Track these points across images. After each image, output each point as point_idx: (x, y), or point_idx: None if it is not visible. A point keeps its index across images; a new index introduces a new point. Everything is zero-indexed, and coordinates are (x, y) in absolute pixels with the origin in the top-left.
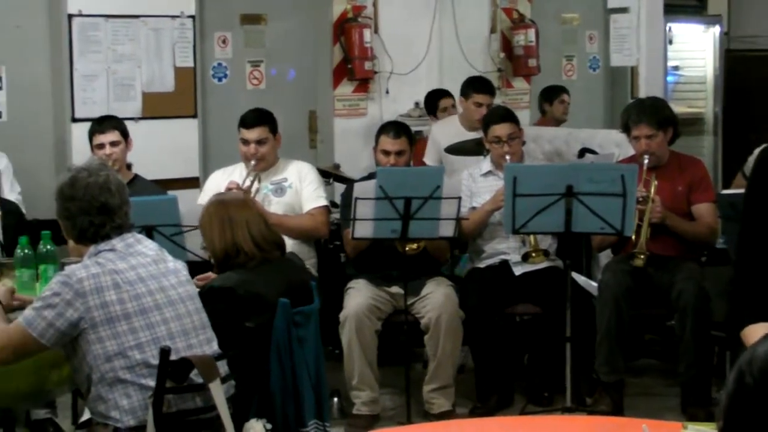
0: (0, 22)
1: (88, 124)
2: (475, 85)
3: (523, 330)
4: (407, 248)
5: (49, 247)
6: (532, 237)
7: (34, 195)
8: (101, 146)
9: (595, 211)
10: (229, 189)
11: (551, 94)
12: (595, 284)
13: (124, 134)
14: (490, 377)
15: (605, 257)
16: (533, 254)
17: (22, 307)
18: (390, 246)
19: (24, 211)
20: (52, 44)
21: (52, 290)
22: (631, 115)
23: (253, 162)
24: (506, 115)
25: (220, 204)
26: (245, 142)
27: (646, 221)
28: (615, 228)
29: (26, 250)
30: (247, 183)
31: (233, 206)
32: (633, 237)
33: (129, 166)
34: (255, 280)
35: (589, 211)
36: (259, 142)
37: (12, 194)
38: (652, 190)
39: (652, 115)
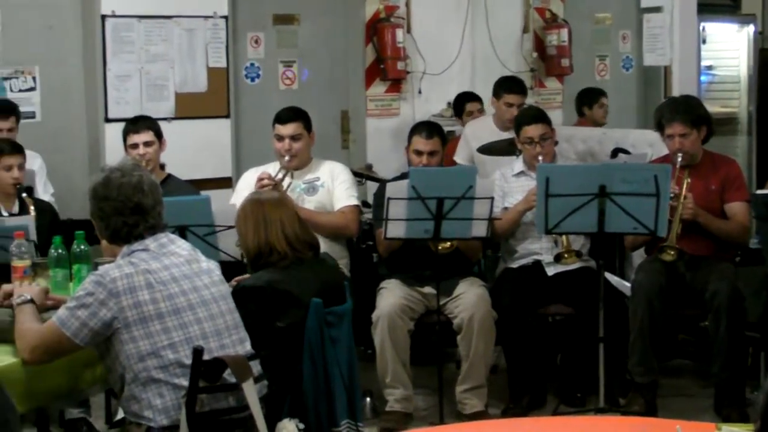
0: (33, 23)
1: (121, 125)
2: (505, 86)
3: (556, 330)
4: (440, 247)
5: (82, 247)
6: (564, 238)
7: (67, 195)
8: (135, 146)
9: (628, 211)
10: (260, 179)
11: (591, 98)
12: (628, 284)
13: (158, 135)
14: (523, 377)
15: (638, 257)
16: (566, 255)
17: (55, 307)
18: (422, 246)
19: (58, 211)
20: (86, 45)
21: (85, 290)
22: (665, 113)
23: (286, 158)
24: (538, 116)
25: (257, 202)
26: (280, 138)
27: (677, 217)
28: (648, 228)
29: (60, 250)
30: (279, 176)
31: (269, 205)
32: None
33: (162, 166)
34: (287, 280)
35: (622, 211)
36: (294, 138)
37: (45, 195)
38: (684, 187)
39: (686, 113)
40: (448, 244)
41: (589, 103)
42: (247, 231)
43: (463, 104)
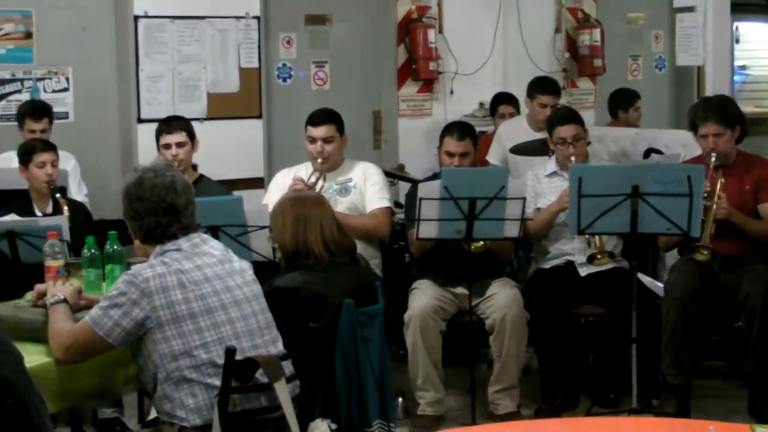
0: (67, 24)
1: (153, 125)
2: (539, 86)
3: (588, 331)
4: (472, 247)
5: (115, 247)
6: (597, 238)
7: (100, 195)
8: (168, 146)
9: (662, 212)
10: (294, 184)
11: (627, 101)
12: (661, 285)
13: (191, 135)
14: (556, 378)
15: (671, 258)
16: (598, 256)
17: (88, 307)
18: (454, 246)
19: (91, 211)
20: (119, 46)
21: (118, 290)
22: (699, 112)
23: (319, 160)
24: (571, 116)
25: (297, 200)
26: (312, 140)
27: (710, 217)
28: (681, 229)
29: (93, 250)
30: (312, 179)
31: (309, 203)
32: None
33: (194, 167)
34: (320, 281)
35: (655, 211)
36: (326, 140)
37: (79, 195)
38: (718, 186)
39: (719, 113)
40: (480, 243)
41: (625, 106)
42: (285, 228)
43: (497, 105)
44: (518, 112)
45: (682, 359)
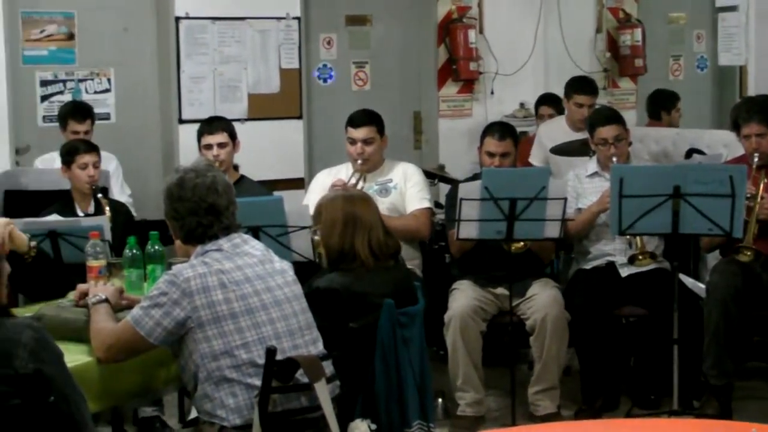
0: (108, 26)
1: (195, 126)
2: (575, 86)
3: (629, 332)
4: (513, 247)
5: (157, 247)
6: (638, 239)
7: (142, 196)
8: (209, 147)
9: (703, 212)
10: (334, 187)
11: (670, 102)
12: (702, 286)
13: (232, 136)
14: (596, 379)
15: (713, 258)
16: (640, 257)
17: (130, 307)
18: (495, 247)
19: (133, 211)
20: (160, 47)
21: (159, 290)
22: (741, 113)
23: (359, 161)
24: (612, 117)
25: (348, 199)
26: (352, 141)
27: (753, 218)
28: (723, 229)
29: (135, 251)
30: (353, 181)
31: (359, 203)
32: None
33: (236, 167)
34: (360, 282)
35: (696, 212)
36: (366, 141)
37: (122, 196)
38: (761, 187)
39: (762, 112)
40: (521, 243)
41: (668, 107)
42: (334, 229)
43: (539, 105)
44: (558, 113)
45: (724, 360)
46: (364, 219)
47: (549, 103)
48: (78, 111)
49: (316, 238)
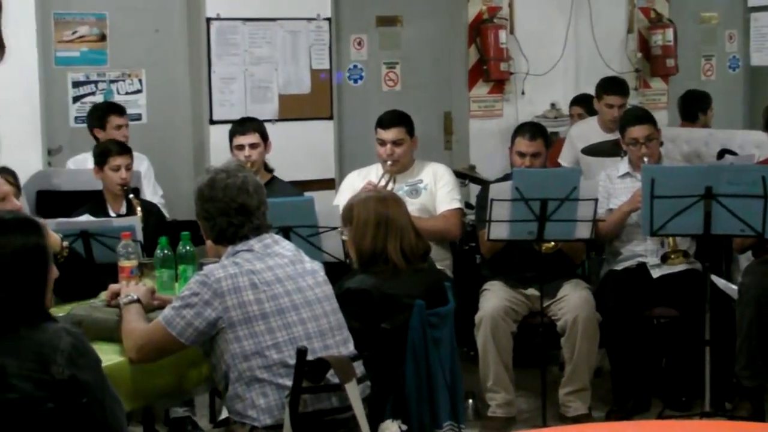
0: (140, 26)
1: (225, 126)
2: (606, 87)
3: (661, 333)
4: (543, 247)
5: (188, 247)
6: (671, 239)
7: (173, 196)
8: (241, 147)
9: (735, 213)
10: (365, 189)
11: (706, 103)
12: (734, 287)
13: (264, 137)
14: (628, 381)
15: (745, 260)
16: (672, 255)
17: (161, 307)
18: (525, 248)
19: (164, 212)
20: (191, 47)
21: (191, 290)
22: None
23: (389, 163)
24: (643, 117)
25: (381, 201)
26: (382, 142)
27: None
28: (756, 230)
29: (166, 251)
30: (383, 183)
31: (391, 205)
32: None
33: (270, 169)
34: (391, 284)
35: (728, 212)
36: (396, 143)
37: (155, 197)
38: None
39: None
40: (551, 244)
41: (704, 108)
42: (366, 230)
43: (571, 106)
44: (589, 114)
45: (757, 362)
46: (396, 221)
47: (580, 103)
48: (116, 106)
49: (345, 238)
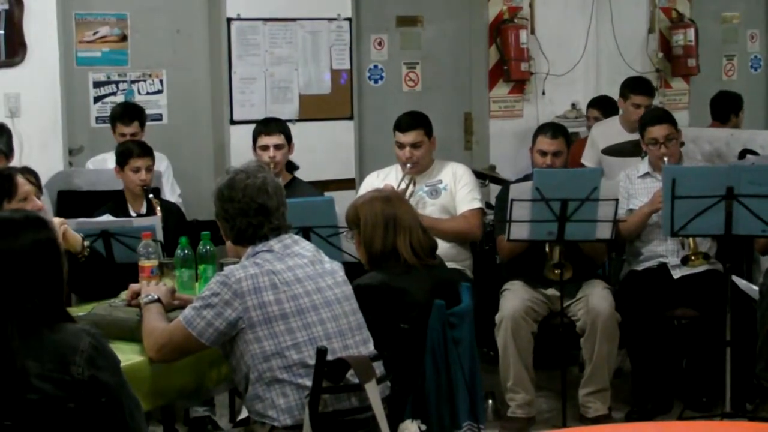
0: (161, 27)
1: (246, 127)
2: (633, 86)
3: (681, 334)
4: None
5: (208, 247)
6: (691, 240)
7: (193, 196)
8: (265, 148)
9: (757, 214)
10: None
11: (737, 105)
12: (755, 288)
13: (288, 138)
14: (648, 381)
15: (767, 261)
16: (692, 257)
17: (181, 307)
18: (544, 251)
19: (184, 212)
20: (212, 48)
21: (211, 290)
22: None
23: (408, 165)
24: (663, 117)
25: (386, 200)
26: (400, 145)
27: None
28: None
29: (186, 251)
30: (402, 186)
31: (397, 204)
32: None
33: (295, 168)
34: (399, 279)
35: (750, 213)
36: (414, 145)
37: (173, 196)
38: None
39: None
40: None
41: (736, 109)
42: (375, 231)
43: (588, 108)
44: (604, 117)
45: None
46: (404, 219)
47: (597, 106)
48: (126, 113)
49: (351, 241)
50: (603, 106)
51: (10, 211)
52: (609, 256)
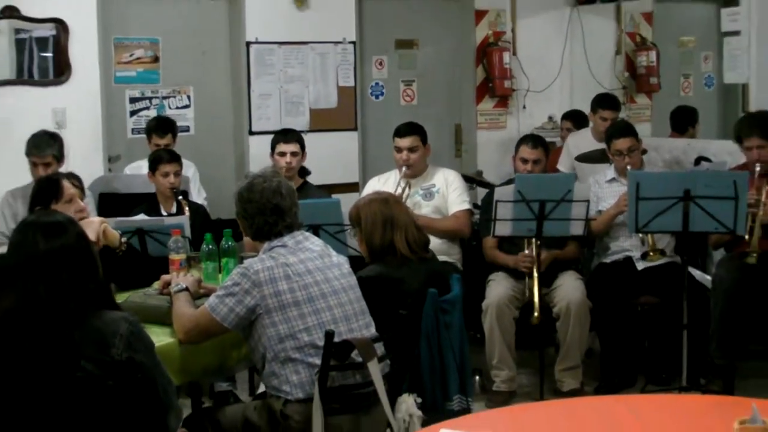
0: (188, 50)
1: (263, 137)
2: (600, 102)
3: (644, 318)
4: (534, 318)
5: (230, 243)
6: (650, 238)
7: (217, 198)
8: (283, 154)
9: (711, 213)
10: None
11: (694, 118)
12: (709, 278)
13: (303, 147)
14: (615, 359)
15: (719, 254)
16: (651, 253)
17: (207, 295)
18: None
19: (209, 212)
20: (233, 68)
21: (232, 280)
22: (743, 127)
23: (404, 168)
24: (626, 130)
25: (383, 202)
26: (398, 149)
27: (758, 223)
28: (728, 227)
29: (211, 246)
30: (399, 191)
31: (393, 205)
32: (747, 237)
33: (308, 173)
34: (397, 270)
35: (704, 213)
36: (411, 149)
37: (199, 198)
38: (764, 194)
39: (762, 127)
40: (537, 315)
41: (693, 122)
42: (374, 229)
43: (561, 121)
44: (576, 128)
45: (728, 343)
46: (399, 218)
47: (569, 118)
48: (160, 127)
49: (354, 237)
50: (574, 119)
51: (45, 213)
52: (582, 251)
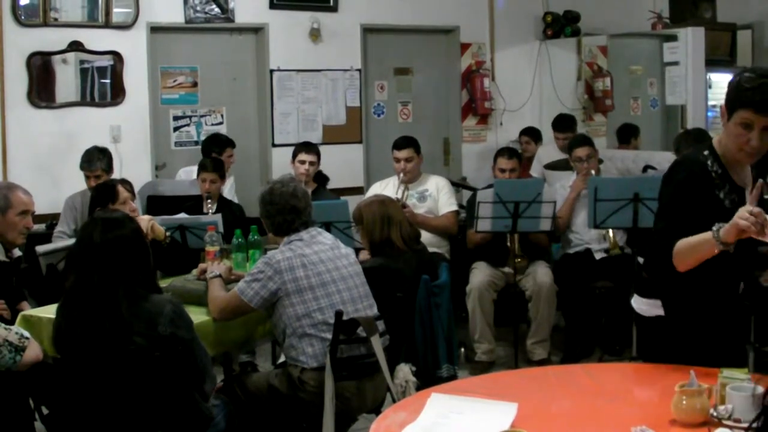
0: (222, 76)
1: (285, 149)
2: (555, 125)
3: (601, 299)
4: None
5: (256, 237)
6: (612, 237)
7: (245, 200)
8: (302, 162)
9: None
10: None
11: (635, 133)
12: None
13: (319, 157)
14: (576, 334)
15: None
16: (612, 250)
17: (236, 280)
18: (502, 241)
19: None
20: (259, 91)
21: (258, 269)
22: (682, 142)
23: (402, 175)
24: (584, 140)
25: (381, 203)
26: (397, 160)
27: None
28: None
29: (240, 239)
30: (399, 195)
31: (389, 205)
32: None
33: (317, 180)
34: (395, 261)
35: (651, 212)
36: (407, 160)
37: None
38: None
39: (697, 141)
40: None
41: (635, 135)
42: (374, 227)
43: (520, 136)
44: (533, 141)
45: None
46: (395, 216)
47: (526, 134)
48: (223, 142)
49: (357, 233)
50: (531, 134)
51: (103, 211)
52: (550, 243)
